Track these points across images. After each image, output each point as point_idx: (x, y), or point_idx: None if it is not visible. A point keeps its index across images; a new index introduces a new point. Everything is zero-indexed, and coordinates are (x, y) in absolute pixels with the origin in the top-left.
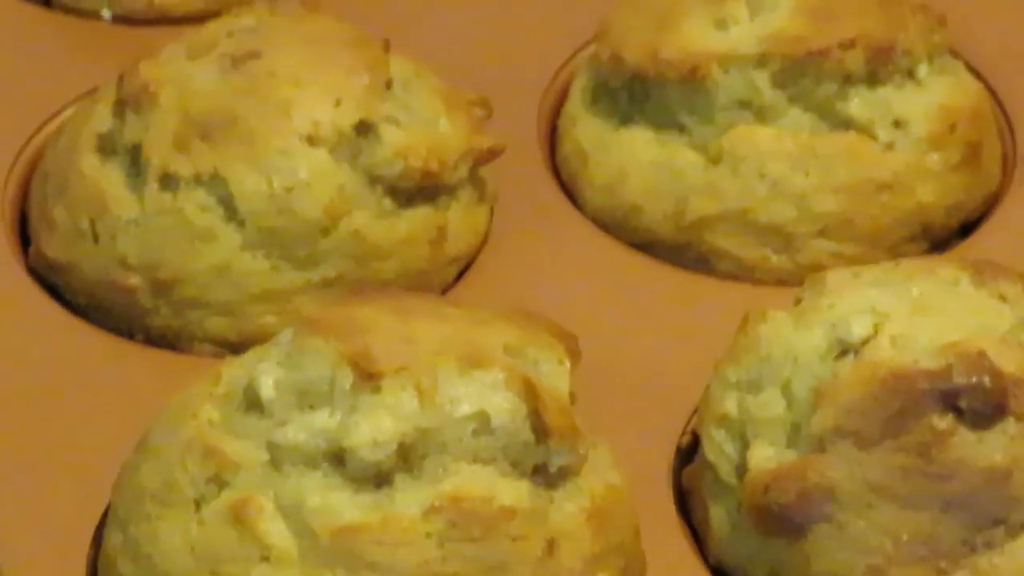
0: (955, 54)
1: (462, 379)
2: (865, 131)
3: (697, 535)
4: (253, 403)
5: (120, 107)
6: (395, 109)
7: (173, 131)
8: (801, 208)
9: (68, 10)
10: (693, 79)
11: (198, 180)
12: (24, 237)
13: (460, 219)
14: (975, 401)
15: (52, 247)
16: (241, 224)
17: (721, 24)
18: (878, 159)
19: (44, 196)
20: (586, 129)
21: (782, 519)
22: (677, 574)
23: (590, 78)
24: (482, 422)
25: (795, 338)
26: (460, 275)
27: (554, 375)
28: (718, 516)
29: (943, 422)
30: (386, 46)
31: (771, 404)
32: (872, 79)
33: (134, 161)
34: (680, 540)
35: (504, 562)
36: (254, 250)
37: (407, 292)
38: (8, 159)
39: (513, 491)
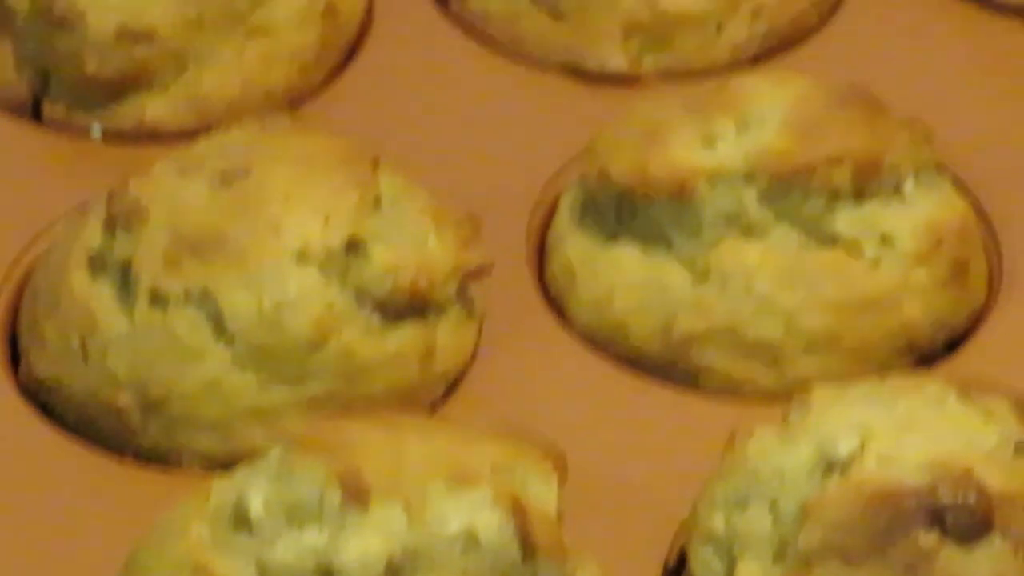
0: (941, 169)
1: (450, 497)
2: (852, 247)
3: None
4: (242, 521)
5: (110, 224)
6: (384, 226)
7: (163, 248)
8: (788, 325)
9: (58, 127)
10: (681, 195)
11: (188, 298)
12: (14, 355)
13: (449, 336)
14: (961, 518)
15: (42, 365)
16: (231, 341)
17: (708, 141)
18: (865, 276)
19: (35, 314)
20: (574, 246)
21: None
22: None
23: (578, 194)
24: (470, 540)
25: (782, 455)
26: (449, 391)
27: (542, 493)
28: None
29: (929, 539)
30: (375, 163)
31: (758, 521)
32: (859, 194)
33: (124, 278)
34: None
35: None
36: (243, 367)
37: (396, 412)
38: None
39: None
